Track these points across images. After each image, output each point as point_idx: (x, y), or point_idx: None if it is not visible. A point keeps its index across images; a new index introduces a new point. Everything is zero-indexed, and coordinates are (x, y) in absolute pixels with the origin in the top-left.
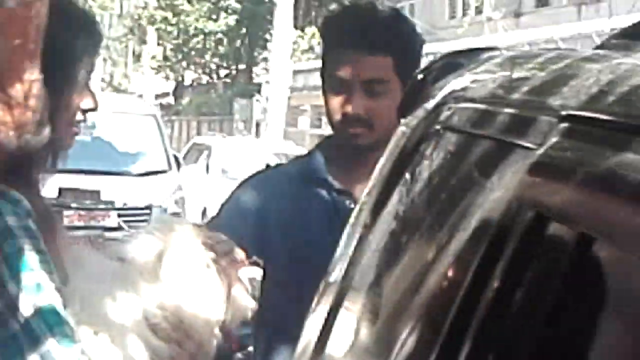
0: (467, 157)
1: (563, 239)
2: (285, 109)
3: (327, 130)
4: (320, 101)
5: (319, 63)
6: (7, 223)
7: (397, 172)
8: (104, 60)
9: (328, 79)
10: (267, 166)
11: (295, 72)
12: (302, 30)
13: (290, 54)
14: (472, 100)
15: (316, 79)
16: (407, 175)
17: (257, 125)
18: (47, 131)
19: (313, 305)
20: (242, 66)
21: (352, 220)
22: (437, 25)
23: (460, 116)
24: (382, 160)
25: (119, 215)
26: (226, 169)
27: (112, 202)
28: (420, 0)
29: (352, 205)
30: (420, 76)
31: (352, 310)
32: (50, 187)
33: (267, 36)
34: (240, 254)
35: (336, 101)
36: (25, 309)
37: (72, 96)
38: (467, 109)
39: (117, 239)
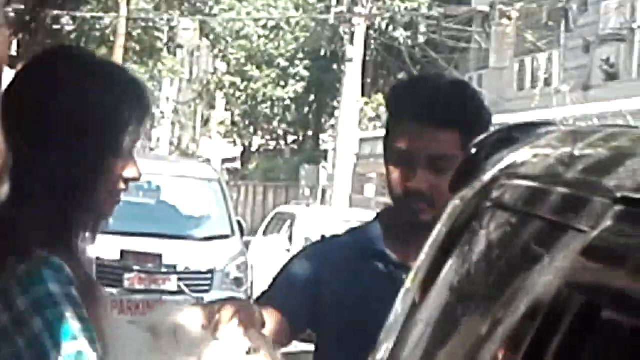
0: (518, 237)
1: (616, 327)
2: (351, 176)
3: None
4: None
5: (385, 131)
6: (50, 290)
7: (448, 249)
8: (173, 124)
9: (391, 150)
10: (323, 237)
11: (362, 140)
12: (369, 98)
13: (357, 122)
14: (525, 177)
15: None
16: (458, 253)
17: (324, 192)
18: (4, 189)
19: None
20: (309, 133)
21: (401, 295)
22: (505, 97)
23: (513, 194)
24: (433, 235)
25: (180, 279)
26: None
27: (174, 266)
28: (489, 72)
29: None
30: (473, 150)
31: None
32: (112, 249)
33: (335, 103)
34: None
35: (398, 174)
36: None
37: (115, 165)
38: (519, 186)
39: (178, 303)
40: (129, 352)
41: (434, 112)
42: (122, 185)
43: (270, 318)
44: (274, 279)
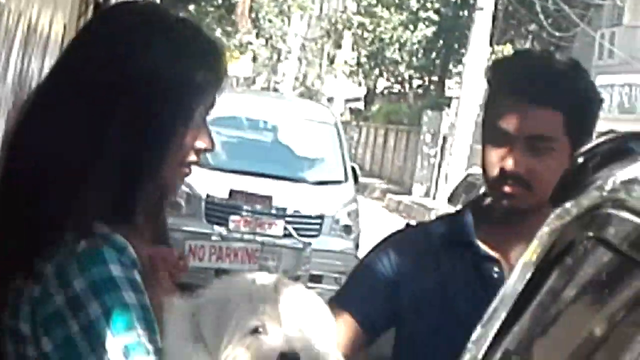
0: (620, 284)
1: None
2: (474, 126)
3: None
4: None
5: None
6: (112, 273)
7: (546, 268)
8: (299, 60)
9: (488, 129)
10: (407, 225)
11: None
12: (498, 48)
13: (484, 71)
14: (635, 211)
15: None
16: (554, 277)
17: (445, 139)
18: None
19: None
20: (434, 78)
21: (500, 295)
22: (637, 57)
23: (618, 230)
24: (534, 244)
25: (289, 223)
26: None
27: (283, 209)
28: (621, 29)
29: (498, 274)
30: (580, 159)
31: None
32: (222, 187)
33: (463, 50)
34: None
35: (494, 154)
36: None
37: (186, 134)
38: (627, 221)
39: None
40: (186, 342)
41: (536, 89)
42: (192, 157)
43: (344, 326)
44: (351, 275)
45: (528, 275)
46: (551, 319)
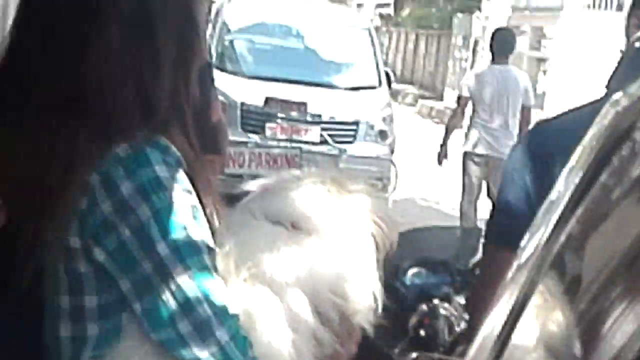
0: None
1: None
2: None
3: (545, 53)
4: (541, 23)
5: None
6: (157, 173)
7: (606, 154)
8: None
9: None
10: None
11: None
12: None
13: None
14: None
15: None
16: (615, 165)
17: (476, 42)
18: None
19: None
20: None
21: (553, 193)
22: None
23: None
24: (589, 135)
25: (324, 129)
26: None
27: (318, 115)
28: None
29: None
30: (638, 44)
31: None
32: (257, 95)
33: None
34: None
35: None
36: (177, 271)
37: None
38: None
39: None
40: (247, 248)
41: None
42: None
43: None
44: (497, 197)
45: (576, 180)
46: (603, 215)
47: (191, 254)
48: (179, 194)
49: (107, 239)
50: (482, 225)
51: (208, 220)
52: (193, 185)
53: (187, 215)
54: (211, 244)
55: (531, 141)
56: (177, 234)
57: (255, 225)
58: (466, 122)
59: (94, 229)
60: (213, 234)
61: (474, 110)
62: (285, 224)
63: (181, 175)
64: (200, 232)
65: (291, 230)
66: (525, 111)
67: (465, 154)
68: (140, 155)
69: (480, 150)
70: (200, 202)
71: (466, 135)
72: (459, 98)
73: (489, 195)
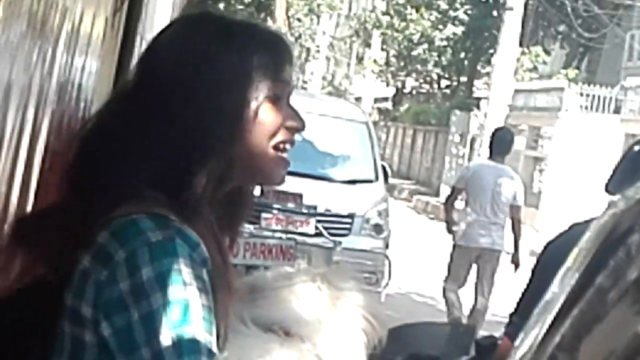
0: None
1: None
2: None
3: (542, 152)
4: (538, 123)
5: (541, 83)
6: (180, 266)
7: (602, 257)
8: (327, 59)
9: None
10: (573, 225)
11: (517, 91)
12: (527, 49)
13: (513, 72)
14: None
15: (536, 100)
16: (602, 276)
17: (473, 140)
18: None
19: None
20: (463, 79)
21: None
22: None
23: None
24: (586, 236)
25: (319, 221)
26: None
27: (314, 207)
28: None
29: None
30: (637, 147)
31: None
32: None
33: (492, 51)
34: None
35: None
36: None
37: (257, 111)
38: None
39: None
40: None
41: None
42: (282, 137)
43: None
44: (522, 295)
45: (572, 281)
46: (598, 318)
47: (190, 353)
48: (195, 291)
49: (117, 316)
50: (465, 318)
51: (218, 324)
52: (213, 287)
53: (197, 315)
54: (214, 348)
55: (568, 242)
56: (183, 329)
57: (248, 334)
58: (458, 213)
59: (107, 302)
60: (218, 337)
61: (466, 202)
62: (277, 331)
63: (203, 274)
64: (205, 334)
65: (283, 337)
66: (514, 209)
67: (455, 245)
68: (169, 245)
69: (470, 242)
70: (216, 303)
71: (457, 226)
72: (453, 188)
73: (476, 286)
